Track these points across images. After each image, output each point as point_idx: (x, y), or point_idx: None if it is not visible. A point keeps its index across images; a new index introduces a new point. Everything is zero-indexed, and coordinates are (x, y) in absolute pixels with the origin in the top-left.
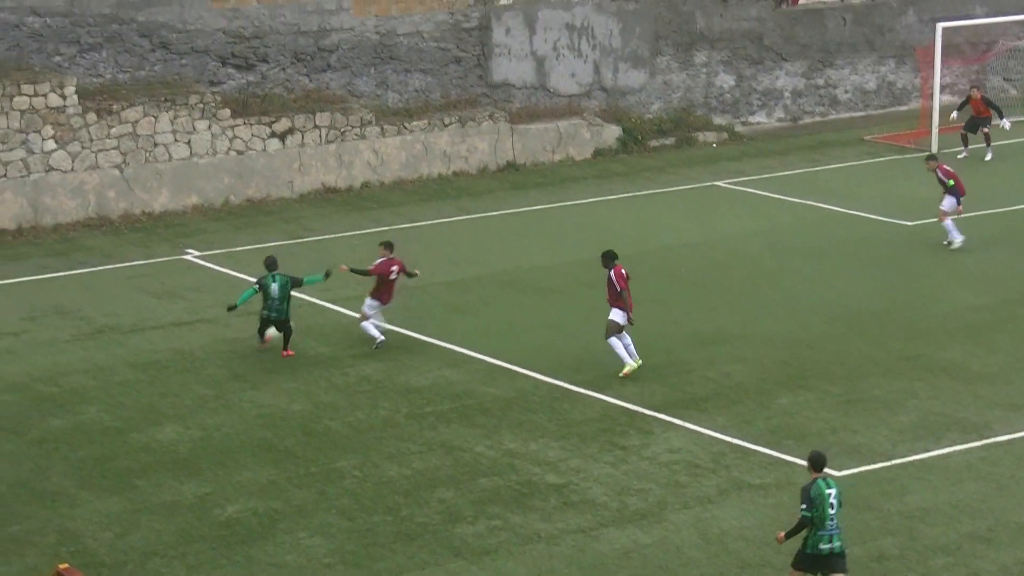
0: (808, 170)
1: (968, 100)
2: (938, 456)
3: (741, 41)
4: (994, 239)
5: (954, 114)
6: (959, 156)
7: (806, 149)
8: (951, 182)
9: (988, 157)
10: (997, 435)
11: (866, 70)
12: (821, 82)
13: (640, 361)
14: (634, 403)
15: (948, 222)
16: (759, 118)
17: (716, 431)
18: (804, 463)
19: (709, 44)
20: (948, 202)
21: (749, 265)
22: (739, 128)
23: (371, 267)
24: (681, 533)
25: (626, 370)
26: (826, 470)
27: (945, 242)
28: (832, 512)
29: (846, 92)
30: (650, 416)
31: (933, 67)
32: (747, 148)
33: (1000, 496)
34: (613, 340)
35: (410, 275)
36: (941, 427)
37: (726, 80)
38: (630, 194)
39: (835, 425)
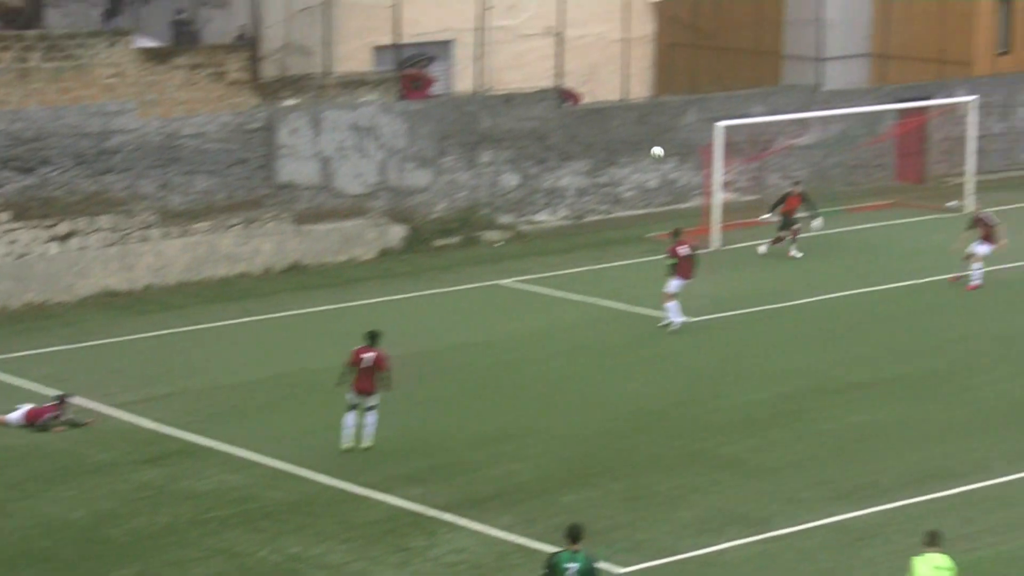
0: (592, 268)
1: (786, 197)
2: (719, 551)
3: (525, 140)
4: (773, 335)
5: (767, 215)
6: (760, 250)
7: (590, 247)
8: (674, 260)
9: (762, 250)
10: (777, 529)
11: (648, 168)
12: (604, 180)
13: (357, 445)
14: (419, 504)
15: (670, 304)
16: (543, 216)
17: (501, 530)
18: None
19: (494, 143)
20: (674, 284)
21: (533, 364)
22: (524, 227)
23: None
24: None
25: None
26: (581, 547)
27: (663, 324)
28: None
29: (629, 190)
30: (434, 517)
31: (714, 165)
32: (532, 247)
33: None
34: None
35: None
36: (722, 522)
37: (511, 179)
38: (415, 294)
39: (619, 521)
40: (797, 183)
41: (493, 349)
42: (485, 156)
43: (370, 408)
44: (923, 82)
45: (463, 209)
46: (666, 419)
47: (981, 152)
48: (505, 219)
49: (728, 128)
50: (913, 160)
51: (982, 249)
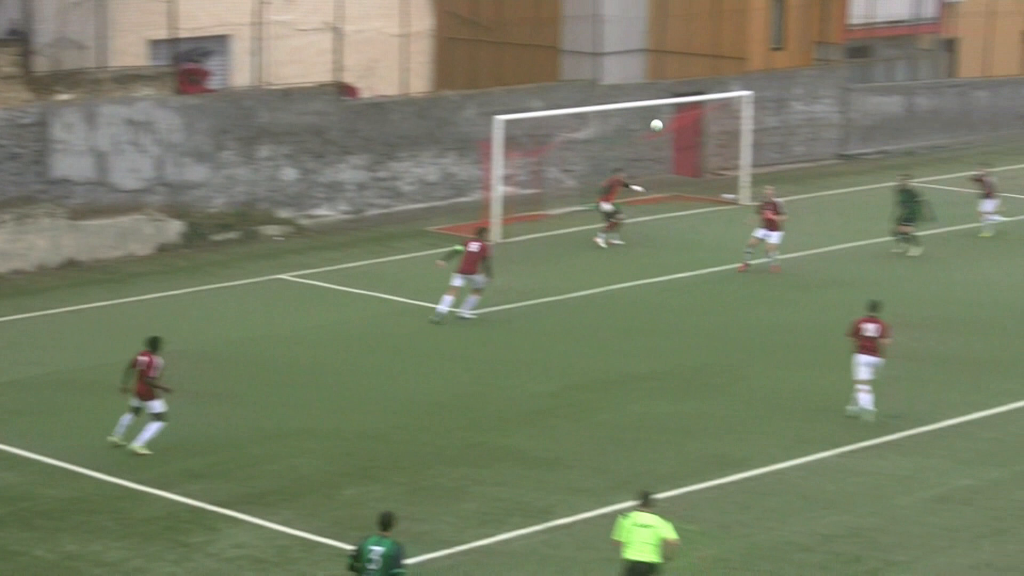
0: (373, 262)
1: (611, 185)
2: (502, 541)
3: (304, 135)
4: (555, 327)
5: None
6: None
7: (371, 241)
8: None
9: (599, 241)
10: (559, 518)
11: (428, 163)
12: (384, 174)
13: (126, 444)
14: (199, 500)
15: (447, 296)
16: (324, 211)
17: (281, 525)
18: None
19: (273, 138)
20: (456, 278)
21: (315, 358)
22: (304, 221)
23: None
24: None
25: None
26: (387, 534)
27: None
28: (371, 568)
29: (409, 184)
30: (215, 512)
31: (494, 159)
32: (312, 241)
33: None
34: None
35: None
36: (505, 512)
37: (290, 174)
38: (194, 289)
39: (401, 514)
40: (619, 170)
41: (274, 344)
42: (264, 151)
43: (156, 416)
44: (699, 77)
45: (242, 204)
46: (449, 412)
47: (756, 146)
48: (285, 214)
49: (507, 123)
50: (690, 154)
51: (768, 236)
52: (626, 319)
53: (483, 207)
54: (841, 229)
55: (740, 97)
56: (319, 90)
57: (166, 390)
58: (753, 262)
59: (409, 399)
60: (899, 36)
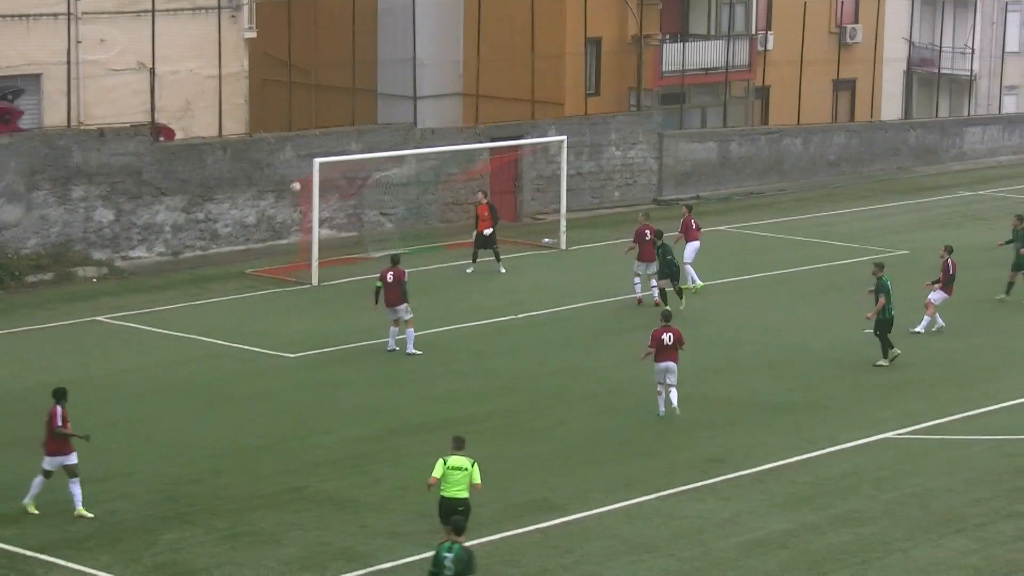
0: (191, 304)
1: (476, 211)
2: None
3: (119, 175)
4: (372, 371)
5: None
6: (467, 271)
7: (188, 283)
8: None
9: (502, 271)
10: (381, 563)
11: (246, 204)
12: (201, 216)
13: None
14: (15, 545)
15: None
16: (140, 252)
17: (100, 570)
18: None
19: (87, 178)
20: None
21: (132, 403)
22: (119, 263)
23: None
24: None
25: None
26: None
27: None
28: (447, 574)
29: (226, 226)
30: (32, 557)
31: (311, 201)
32: (128, 283)
33: None
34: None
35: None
36: (327, 557)
37: (105, 215)
38: (7, 331)
39: (221, 559)
40: (480, 191)
41: (90, 387)
42: (78, 191)
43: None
44: (515, 121)
45: (56, 244)
46: (269, 456)
47: (573, 190)
48: (100, 255)
49: (324, 164)
50: (507, 198)
51: (648, 267)
52: (442, 363)
53: (301, 249)
54: None
55: (556, 142)
56: (133, 131)
57: (83, 438)
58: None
59: (228, 443)
60: (712, 83)
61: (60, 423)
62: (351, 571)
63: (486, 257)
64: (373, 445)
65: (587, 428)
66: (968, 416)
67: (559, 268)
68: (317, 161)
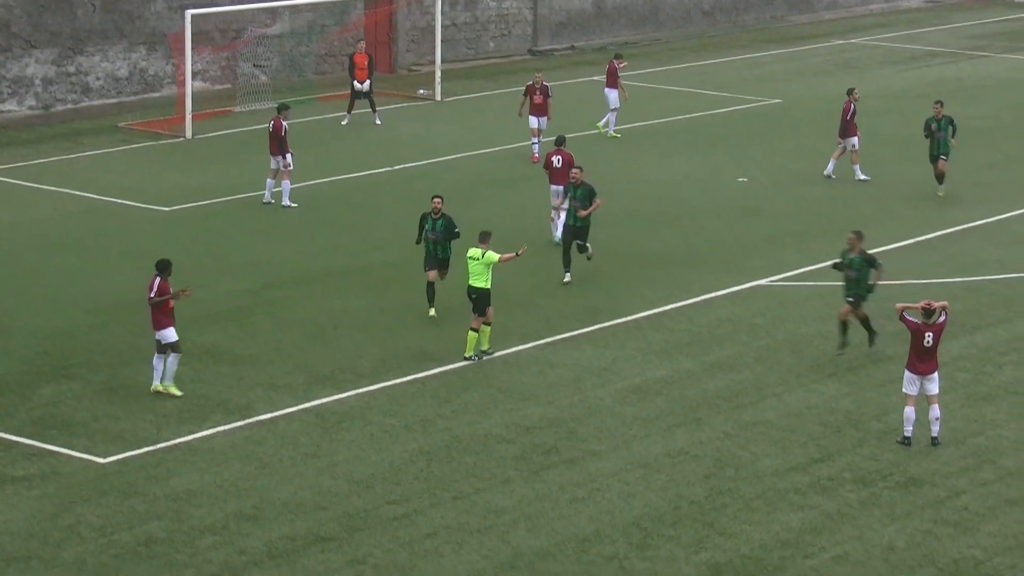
0: (63, 158)
1: (351, 61)
2: (203, 438)
3: None
4: (250, 224)
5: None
6: (343, 123)
7: (60, 137)
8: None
9: (377, 122)
10: (259, 414)
11: (117, 57)
12: (72, 69)
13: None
14: None
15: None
16: (10, 106)
17: None
18: (70, 452)
19: None
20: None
21: (5, 258)
22: None
23: None
24: None
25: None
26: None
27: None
28: (431, 236)
29: (98, 79)
30: None
31: (184, 54)
32: (0, 137)
33: (264, 474)
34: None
35: None
36: (205, 410)
37: None
38: None
39: (99, 413)
40: (359, 40)
41: None
42: None
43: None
44: None
45: None
46: (144, 310)
47: (448, 42)
48: None
49: (197, 16)
50: (383, 50)
51: (540, 121)
52: (320, 216)
53: (175, 102)
54: (523, 127)
55: None
56: None
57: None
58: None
59: (104, 297)
60: None
61: (152, 294)
62: (229, 423)
63: (362, 108)
64: (250, 298)
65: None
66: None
67: (435, 119)
68: (189, 13)
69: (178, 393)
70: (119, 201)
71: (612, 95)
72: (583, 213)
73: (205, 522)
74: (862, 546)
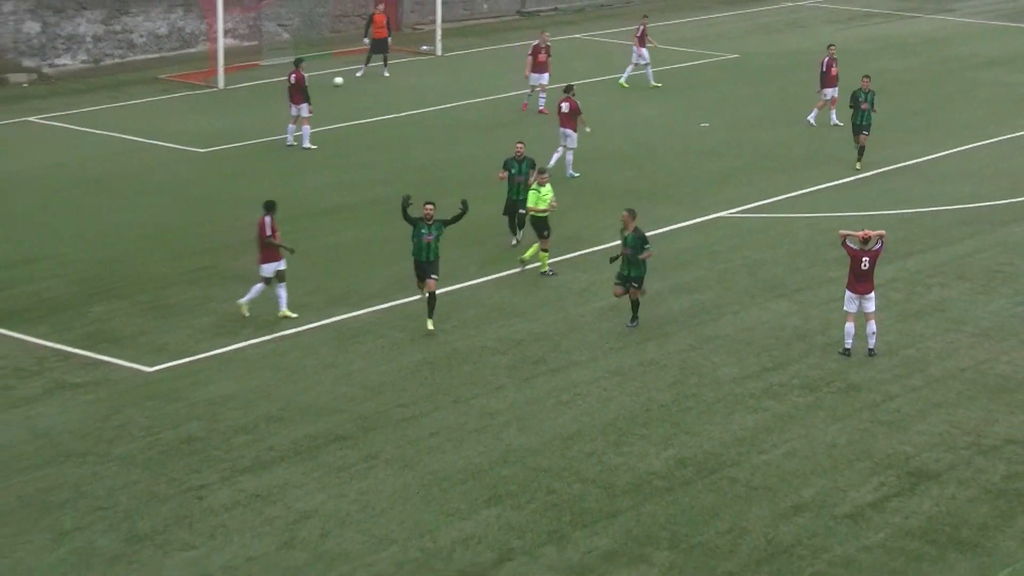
0: (110, 106)
1: (371, 20)
2: (236, 350)
3: None
4: (270, 164)
5: (365, 40)
6: (358, 74)
7: (107, 88)
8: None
9: (386, 74)
10: (284, 330)
11: (158, 17)
12: (119, 28)
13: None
14: None
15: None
16: (64, 60)
17: (38, 338)
18: (119, 362)
19: None
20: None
21: (60, 194)
22: (47, 70)
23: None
24: (11, 430)
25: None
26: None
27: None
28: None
29: (141, 37)
30: None
31: (216, 14)
32: (55, 88)
33: (289, 382)
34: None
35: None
36: (238, 325)
37: (32, 26)
38: None
39: (144, 328)
40: (380, 2)
41: (23, 180)
42: (7, 5)
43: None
44: None
45: None
46: (184, 238)
47: (447, 3)
48: (29, 63)
49: None
50: (389, 10)
51: (540, 79)
52: (339, 155)
53: (208, 57)
54: (513, 79)
55: None
56: None
57: (288, 250)
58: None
59: (146, 228)
60: None
61: (269, 233)
62: (259, 337)
63: (375, 63)
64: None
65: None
66: (790, 197)
67: (436, 72)
68: None
69: (293, 315)
70: (160, 143)
71: (643, 52)
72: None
73: (238, 423)
74: (808, 443)
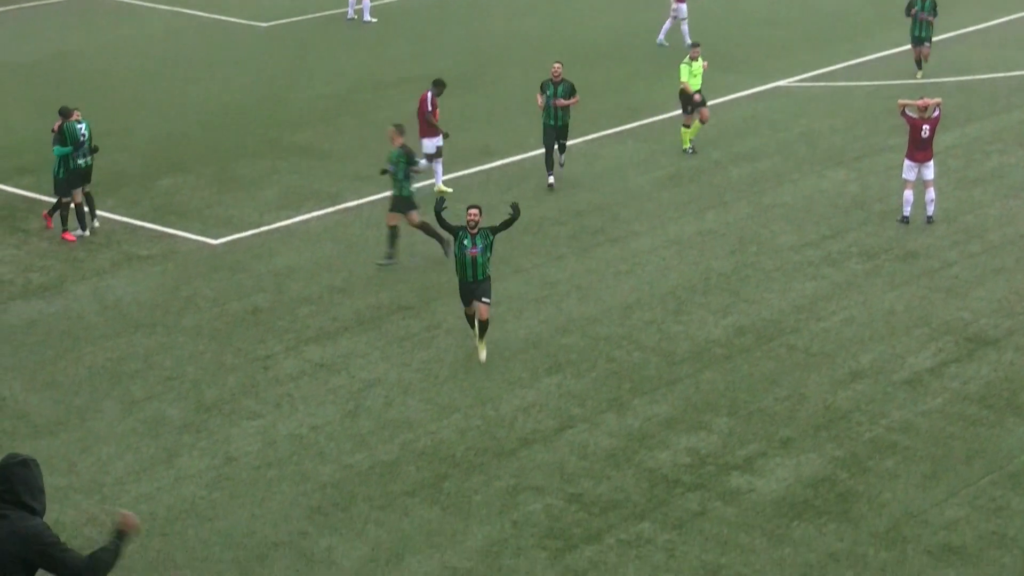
0: None
1: None
2: (299, 222)
3: None
4: (335, 39)
5: None
6: None
7: None
8: None
9: None
10: (347, 202)
11: None
12: None
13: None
14: (32, 191)
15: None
16: None
17: (107, 212)
18: (186, 235)
19: None
20: None
21: (127, 70)
22: None
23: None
24: (81, 302)
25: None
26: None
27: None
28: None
29: None
30: (46, 201)
31: None
32: None
33: (351, 253)
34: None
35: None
36: (301, 198)
37: None
38: (17, 6)
39: (210, 201)
40: None
41: (92, 57)
42: None
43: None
44: None
45: None
46: (249, 113)
47: None
48: None
49: None
50: None
51: None
52: (400, 28)
53: None
54: None
55: None
56: None
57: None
58: None
59: (211, 103)
60: None
61: (430, 109)
62: (323, 209)
63: None
64: (337, 102)
65: (524, 83)
66: (849, 65)
67: None
68: None
69: (448, 190)
70: (222, 18)
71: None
72: (561, 102)
73: (303, 294)
74: (866, 310)
